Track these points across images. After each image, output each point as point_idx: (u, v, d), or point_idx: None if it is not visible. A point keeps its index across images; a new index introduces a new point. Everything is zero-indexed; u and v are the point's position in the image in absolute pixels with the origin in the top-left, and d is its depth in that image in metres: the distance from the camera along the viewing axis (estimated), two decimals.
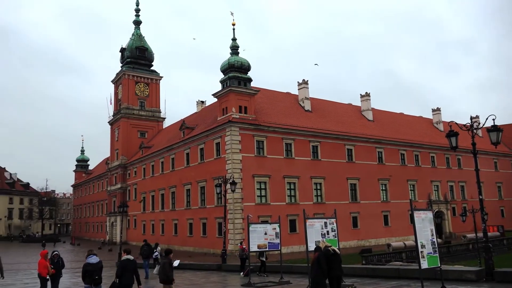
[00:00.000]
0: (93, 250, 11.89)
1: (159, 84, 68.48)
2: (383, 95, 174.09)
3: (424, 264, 10.83)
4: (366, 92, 53.65)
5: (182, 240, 44.48)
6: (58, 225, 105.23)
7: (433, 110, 63.35)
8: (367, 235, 44.21)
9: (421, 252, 10.78)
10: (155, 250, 25.38)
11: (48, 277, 13.28)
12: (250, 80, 40.30)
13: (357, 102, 55.22)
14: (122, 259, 11.04)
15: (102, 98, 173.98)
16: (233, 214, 35.68)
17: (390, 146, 49.46)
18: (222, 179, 27.35)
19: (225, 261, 24.91)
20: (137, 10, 71.51)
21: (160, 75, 68.73)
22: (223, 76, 40.38)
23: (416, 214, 11.12)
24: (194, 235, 42.36)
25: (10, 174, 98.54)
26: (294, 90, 48.95)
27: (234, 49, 41.09)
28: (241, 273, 20.53)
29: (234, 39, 41.41)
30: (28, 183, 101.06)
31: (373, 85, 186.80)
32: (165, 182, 49.36)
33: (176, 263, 11.65)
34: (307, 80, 47.14)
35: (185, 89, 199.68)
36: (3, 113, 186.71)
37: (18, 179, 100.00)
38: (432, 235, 11.23)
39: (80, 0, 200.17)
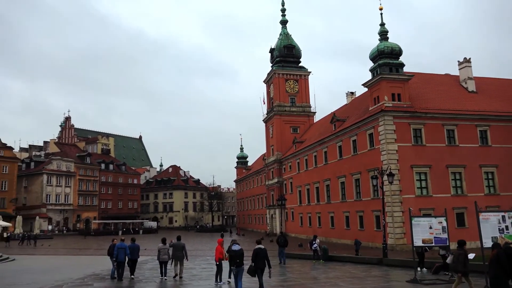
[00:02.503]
0: (236, 240, 14.31)
1: (307, 79, 69.65)
2: None
3: None
4: None
5: (339, 233, 44.49)
6: (225, 216, 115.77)
7: None
8: None
9: None
10: (314, 242, 26.00)
11: (217, 262, 15.23)
12: (402, 65, 38.02)
13: None
14: (255, 247, 13.01)
15: (249, 98, 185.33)
16: (391, 207, 34.19)
17: None
18: (378, 171, 26.49)
19: (386, 255, 24.03)
20: (283, 10, 73.84)
21: (308, 70, 69.89)
22: (373, 64, 38.96)
23: None
24: (351, 228, 41.92)
25: (184, 172, 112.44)
26: (453, 71, 44.47)
27: (383, 34, 39.26)
28: (419, 270, 18.24)
29: (382, 24, 39.60)
30: (198, 180, 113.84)
31: None
32: (319, 176, 49.99)
33: (471, 256, 12.36)
34: (469, 58, 42.27)
35: (331, 82, 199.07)
36: (169, 118, 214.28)
37: (190, 176, 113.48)
38: None
39: (220, 9, 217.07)
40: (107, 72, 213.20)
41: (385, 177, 25.97)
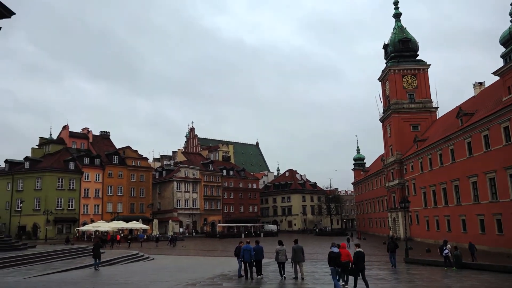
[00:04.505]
0: (335, 243, 15.28)
1: (427, 73, 65.14)
2: None
3: None
4: None
5: (473, 238, 40.25)
6: (344, 220, 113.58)
7: None
8: None
9: None
10: (444, 248, 24.17)
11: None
12: None
13: None
14: (355, 251, 14.23)
15: (358, 97, 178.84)
16: None
17: None
18: None
19: None
20: (396, 3, 70.30)
21: (427, 63, 65.39)
22: (504, 49, 34.93)
23: None
24: (487, 232, 37.82)
25: (301, 175, 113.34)
26: None
27: None
28: None
29: None
30: (315, 183, 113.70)
31: None
32: (446, 175, 46.19)
33: None
34: None
35: (447, 73, 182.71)
36: (278, 123, 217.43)
37: (307, 179, 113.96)
38: None
39: (316, 9, 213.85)
40: (216, 83, 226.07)
41: None
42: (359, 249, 14.26)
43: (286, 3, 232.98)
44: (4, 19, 27.03)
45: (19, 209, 61.06)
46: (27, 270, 19.49)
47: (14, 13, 26.85)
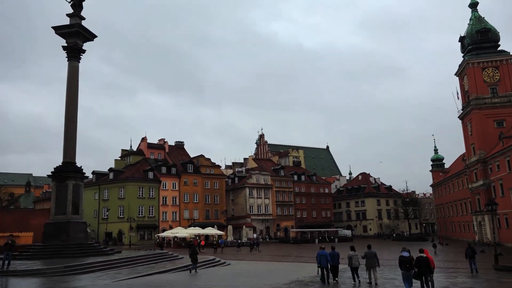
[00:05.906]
0: (405, 248, 15.49)
1: (511, 64, 60.21)
2: None
3: None
4: None
5: None
6: (423, 224, 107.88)
7: None
8: None
9: None
10: None
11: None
12: None
13: None
14: (418, 256, 14.41)
15: (429, 95, 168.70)
16: None
17: None
18: None
19: None
20: None
21: (511, 53, 60.43)
22: None
23: None
24: None
25: (374, 179, 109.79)
26: None
27: None
28: None
29: None
30: (390, 186, 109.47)
31: None
32: None
33: None
34: None
35: None
36: (345, 126, 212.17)
37: (381, 182, 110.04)
38: None
39: (373, 6, 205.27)
40: (281, 89, 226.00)
41: None
42: (421, 254, 14.55)
43: (343, 2, 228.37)
44: (88, 42, 29.47)
45: (105, 217, 65.69)
46: (115, 274, 20.82)
47: (96, 36, 29.19)
